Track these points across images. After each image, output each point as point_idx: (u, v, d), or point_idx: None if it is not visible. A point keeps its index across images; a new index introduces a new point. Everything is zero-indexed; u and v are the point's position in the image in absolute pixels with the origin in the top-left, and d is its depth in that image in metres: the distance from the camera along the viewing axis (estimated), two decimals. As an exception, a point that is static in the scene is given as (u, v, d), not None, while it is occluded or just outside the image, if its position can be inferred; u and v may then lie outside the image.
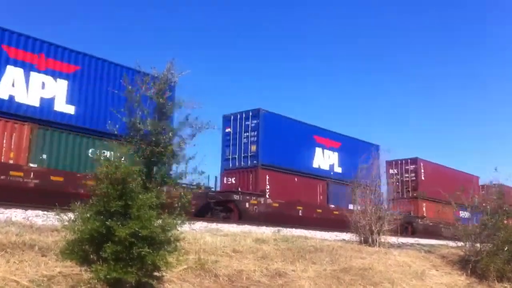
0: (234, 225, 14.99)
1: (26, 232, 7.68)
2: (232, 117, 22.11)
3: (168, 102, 7.86)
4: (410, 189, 30.81)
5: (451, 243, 16.08)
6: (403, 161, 31.19)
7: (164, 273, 6.36)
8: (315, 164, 23.73)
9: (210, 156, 25.86)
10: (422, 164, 31.26)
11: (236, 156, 21.63)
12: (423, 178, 30.77)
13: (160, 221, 6.07)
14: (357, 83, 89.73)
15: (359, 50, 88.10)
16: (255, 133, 21.29)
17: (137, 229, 5.58)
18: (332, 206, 23.69)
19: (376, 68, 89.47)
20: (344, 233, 16.54)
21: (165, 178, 7.59)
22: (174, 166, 7.98)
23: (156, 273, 6.13)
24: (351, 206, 23.95)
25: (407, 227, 27.18)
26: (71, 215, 5.92)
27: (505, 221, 14.87)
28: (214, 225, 14.05)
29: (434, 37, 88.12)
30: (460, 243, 14.59)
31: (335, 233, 17.85)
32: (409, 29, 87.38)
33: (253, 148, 21.04)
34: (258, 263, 9.23)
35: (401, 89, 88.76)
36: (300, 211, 21.65)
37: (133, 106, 7.82)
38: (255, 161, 20.87)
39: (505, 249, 13.87)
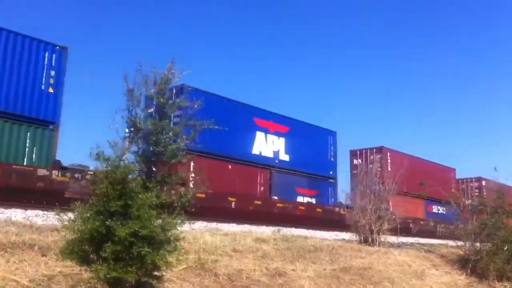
0: (234, 225, 15.00)
1: (26, 232, 7.68)
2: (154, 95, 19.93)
3: (169, 102, 7.88)
4: None
5: (451, 243, 16.09)
6: (368, 150, 28.61)
7: (164, 273, 6.36)
8: (255, 151, 20.43)
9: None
10: (388, 154, 28.31)
11: (157, 140, 19.42)
12: (389, 169, 26.98)
13: (160, 221, 6.07)
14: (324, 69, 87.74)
15: (324, 35, 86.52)
16: (178, 113, 18.91)
17: (137, 228, 5.58)
18: (276, 198, 20.80)
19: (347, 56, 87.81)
20: (344, 233, 16.54)
21: (165, 177, 7.61)
22: None
23: (156, 273, 6.13)
24: (300, 198, 22.00)
25: None
26: (71, 215, 5.92)
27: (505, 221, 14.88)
28: (214, 225, 14.05)
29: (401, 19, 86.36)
30: (460, 243, 14.61)
31: (335, 232, 17.85)
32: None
33: (176, 130, 18.91)
34: (258, 263, 9.24)
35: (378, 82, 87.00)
36: (233, 203, 18.64)
37: (134, 105, 7.84)
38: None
39: (505, 248, 13.89)
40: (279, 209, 20.25)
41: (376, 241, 14.43)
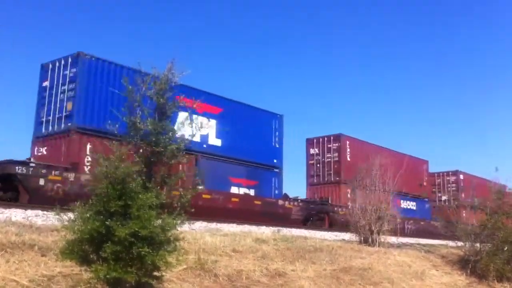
0: (234, 225, 15.00)
1: (26, 232, 7.68)
2: (50, 66, 16.61)
3: (169, 102, 7.87)
4: (332, 172, 25.23)
5: (450, 243, 16.10)
6: (325, 139, 26.18)
7: (163, 273, 6.36)
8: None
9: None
10: (347, 142, 25.62)
11: (50, 118, 16.07)
12: (348, 159, 24.78)
13: (159, 221, 6.07)
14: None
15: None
16: (73, 85, 15.66)
17: (136, 229, 5.58)
18: (201, 187, 17.31)
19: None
20: (344, 233, 16.54)
21: (165, 178, 7.60)
22: None
23: (155, 273, 6.13)
24: (234, 189, 19.34)
25: (324, 218, 23.03)
26: (71, 215, 5.92)
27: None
28: (214, 225, 14.06)
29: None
30: (460, 243, 14.62)
31: (335, 233, 17.84)
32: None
33: (69, 106, 15.50)
34: (258, 263, 9.24)
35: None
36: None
37: (133, 106, 7.83)
38: (69, 124, 15.40)
39: (505, 249, 13.91)
40: (206, 201, 17.19)
41: (376, 241, 14.44)
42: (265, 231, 13.94)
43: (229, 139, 19.28)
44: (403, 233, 21.53)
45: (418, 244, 17.71)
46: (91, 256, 5.83)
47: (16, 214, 10.31)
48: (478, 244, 14.06)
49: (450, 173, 34.04)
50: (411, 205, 28.47)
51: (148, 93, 7.82)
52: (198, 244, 9.25)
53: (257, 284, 8.40)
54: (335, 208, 23.26)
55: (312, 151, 26.47)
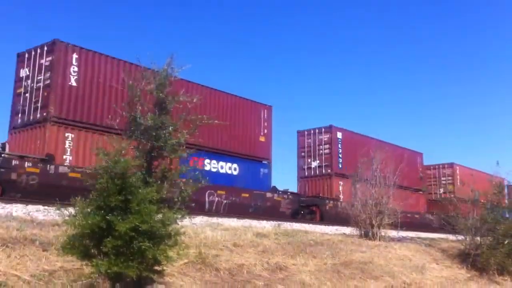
0: (235, 219, 15.02)
1: (27, 227, 7.70)
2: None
3: (168, 97, 7.87)
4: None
5: (451, 237, 16.14)
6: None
7: (164, 267, 6.37)
8: None
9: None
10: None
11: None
12: (73, 82, 15.14)
13: (160, 216, 6.07)
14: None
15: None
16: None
17: (137, 223, 5.58)
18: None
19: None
20: (345, 227, 16.56)
21: (166, 172, 7.61)
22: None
23: (156, 267, 6.14)
24: None
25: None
26: (71, 210, 5.93)
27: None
28: (214, 219, 14.07)
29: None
30: (460, 237, 14.65)
31: (335, 227, 17.86)
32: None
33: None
34: (259, 257, 9.26)
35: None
36: None
37: (134, 101, 7.83)
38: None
39: (505, 242, 13.94)
40: None
41: (377, 235, 14.46)
42: (266, 225, 13.97)
43: None
44: (204, 210, 15.97)
45: (419, 238, 17.74)
46: (92, 251, 5.84)
47: (17, 209, 10.33)
48: (478, 238, 14.10)
49: (323, 130, 25.07)
50: (227, 167, 18.68)
51: (148, 88, 7.82)
52: (199, 238, 9.28)
53: (258, 278, 8.42)
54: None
55: (22, 72, 18.01)
